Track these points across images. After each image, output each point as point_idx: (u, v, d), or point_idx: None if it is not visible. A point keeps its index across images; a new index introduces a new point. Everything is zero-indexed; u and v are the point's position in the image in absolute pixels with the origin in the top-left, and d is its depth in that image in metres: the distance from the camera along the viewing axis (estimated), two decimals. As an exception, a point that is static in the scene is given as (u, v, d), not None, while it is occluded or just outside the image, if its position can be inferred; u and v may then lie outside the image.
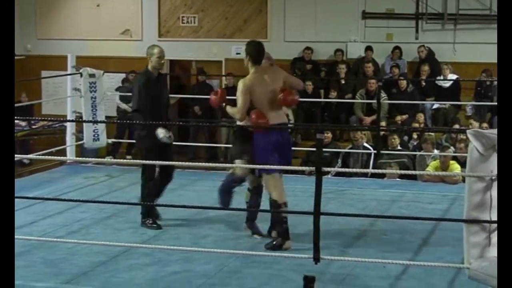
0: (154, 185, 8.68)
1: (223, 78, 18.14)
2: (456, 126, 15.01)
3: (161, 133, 8.32)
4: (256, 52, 7.83)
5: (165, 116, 8.73)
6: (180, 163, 8.85)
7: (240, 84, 7.72)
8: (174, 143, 11.52)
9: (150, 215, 8.58)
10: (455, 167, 12.01)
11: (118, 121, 17.47)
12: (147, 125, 8.31)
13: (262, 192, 8.08)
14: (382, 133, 14.21)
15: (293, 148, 7.92)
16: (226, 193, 8.14)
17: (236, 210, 8.23)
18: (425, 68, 16.67)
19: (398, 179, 12.03)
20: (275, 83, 7.70)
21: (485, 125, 14.02)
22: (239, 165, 7.92)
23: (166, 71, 19.22)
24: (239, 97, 7.66)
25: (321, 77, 17.52)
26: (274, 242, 7.66)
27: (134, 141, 17.05)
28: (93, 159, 12.64)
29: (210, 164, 15.39)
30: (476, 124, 14.35)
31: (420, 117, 15.36)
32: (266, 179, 7.73)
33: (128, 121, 17.99)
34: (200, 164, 15.62)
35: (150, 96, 8.47)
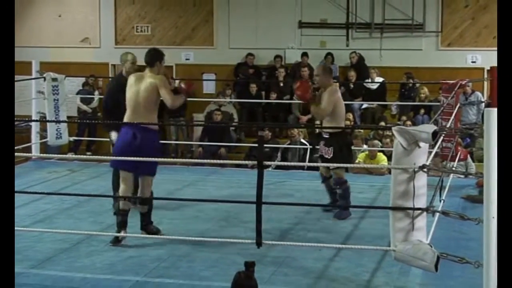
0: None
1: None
2: (382, 123, 15.16)
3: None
4: (146, 56, 7.49)
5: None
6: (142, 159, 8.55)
7: None
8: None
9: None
10: (382, 158, 12.12)
11: (79, 120, 17.43)
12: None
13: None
14: (317, 130, 14.26)
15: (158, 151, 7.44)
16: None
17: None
18: (352, 73, 16.84)
19: (331, 172, 12.07)
20: (143, 88, 7.28)
21: (408, 122, 14.15)
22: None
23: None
24: None
25: (262, 80, 17.59)
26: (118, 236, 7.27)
27: (94, 139, 17.18)
28: (56, 155, 12.49)
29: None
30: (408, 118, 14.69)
31: (349, 116, 15.46)
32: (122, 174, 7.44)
33: (88, 121, 18.01)
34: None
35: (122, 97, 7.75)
